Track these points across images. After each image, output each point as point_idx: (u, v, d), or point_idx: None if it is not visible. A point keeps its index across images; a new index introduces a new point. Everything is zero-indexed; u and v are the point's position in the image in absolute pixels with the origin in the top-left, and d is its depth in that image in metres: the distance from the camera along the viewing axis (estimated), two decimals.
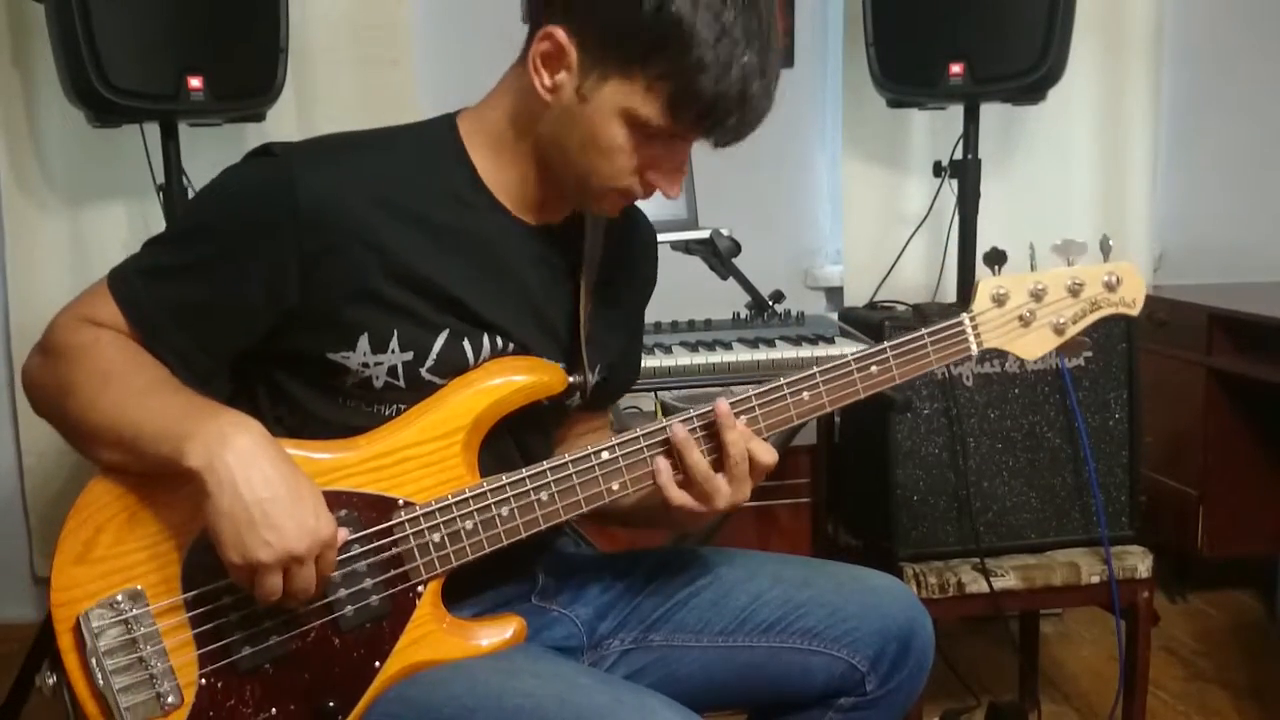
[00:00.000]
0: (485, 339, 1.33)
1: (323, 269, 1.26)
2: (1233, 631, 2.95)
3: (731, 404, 1.34)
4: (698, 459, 1.31)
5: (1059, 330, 1.42)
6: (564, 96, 1.27)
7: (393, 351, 1.30)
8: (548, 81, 1.28)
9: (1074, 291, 1.42)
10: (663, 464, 1.32)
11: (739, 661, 1.42)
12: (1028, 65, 2.46)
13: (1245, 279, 3.20)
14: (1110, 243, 1.44)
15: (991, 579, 2.22)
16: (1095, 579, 2.25)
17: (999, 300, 1.40)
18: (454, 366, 1.32)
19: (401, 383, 1.31)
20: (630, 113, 1.24)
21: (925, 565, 2.25)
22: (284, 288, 1.27)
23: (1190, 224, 3.25)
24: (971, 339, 1.40)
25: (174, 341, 1.29)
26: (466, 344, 1.33)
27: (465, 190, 1.34)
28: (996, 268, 1.45)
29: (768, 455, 1.33)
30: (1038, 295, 1.41)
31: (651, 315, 2.30)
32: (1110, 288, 1.43)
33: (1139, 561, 2.28)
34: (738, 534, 2.50)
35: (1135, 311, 1.44)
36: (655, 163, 1.30)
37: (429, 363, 1.31)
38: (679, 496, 1.33)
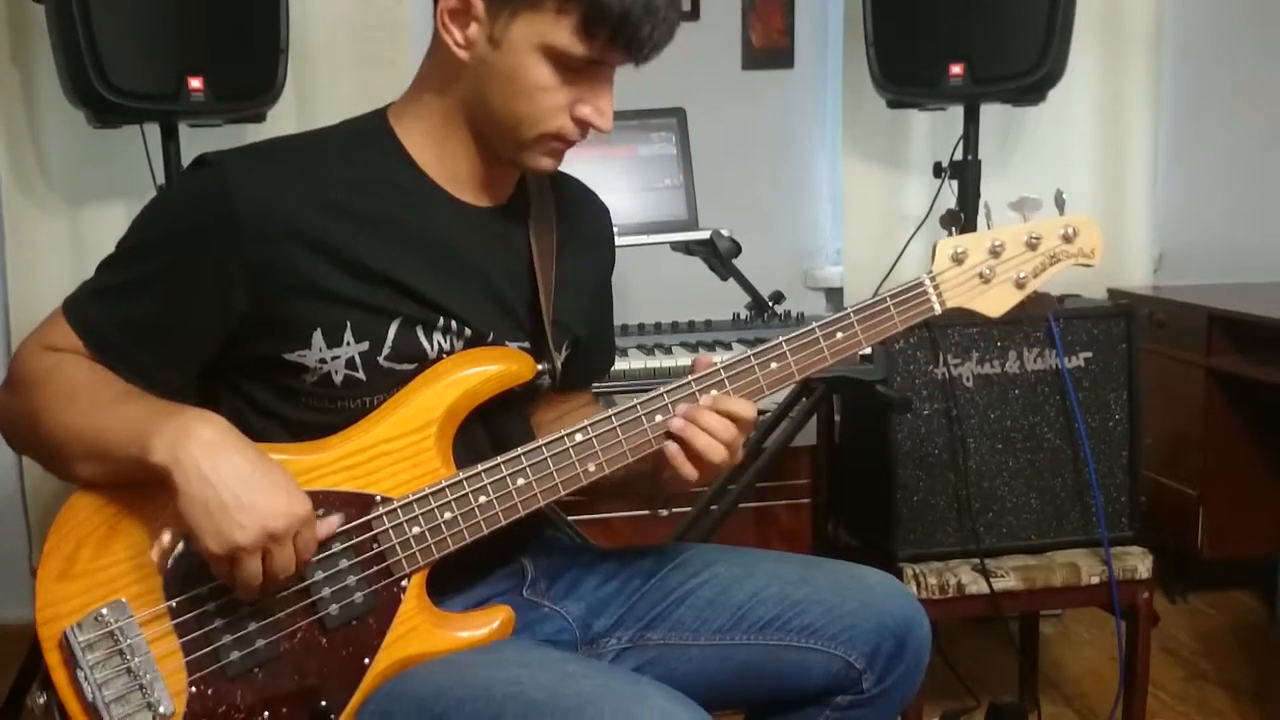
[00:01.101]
0: (439, 323, 1.34)
1: (268, 272, 1.27)
2: (1233, 631, 2.95)
3: (699, 377, 1.35)
4: (707, 442, 1.32)
5: (1020, 285, 1.43)
6: (479, 49, 1.29)
7: (348, 344, 1.30)
8: (459, 38, 1.29)
9: (1032, 245, 1.42)
10: (673, 448, 1.32)
11: (736, 660, 1.42)
12: (1028, 66, 2.46)
13: (1245, 279, 3.20)
14: (1064, 196, 1.44)
15: (991, 579, 2.22)
16: (1095, 579, 2.25)
17: (958, 259, 1.41)
18: (411, 353, 1.33)
19: (361, 374, 1.31)
20: (546, 45, 1.26)
21: (925, 566, 2.25)
22: (232, 294, 1.28)
23: (1190, 224, 3.24)
24: (934, 298, 1.41)
25: (133, 359, 1.30)
26: (420, 330, 1.33)
27: (403, 178, 1.36)
28: (953, 229, 1.45)
29: (747, 410, 1.34)
30: (996, 251, 1.42)
31: (651, 315, 2.32)
32: (1067, 239, 1.43)
33: (1139, 562, 2.28)
34: (738, 534, 2.50)
35: (1095, 261, 1.44)
36: (582, 95, 1.31)
37: (385, 350, 1.32)
38: (692, 473, 1.33)
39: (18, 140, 2.68)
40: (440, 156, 1.37)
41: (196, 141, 2.39)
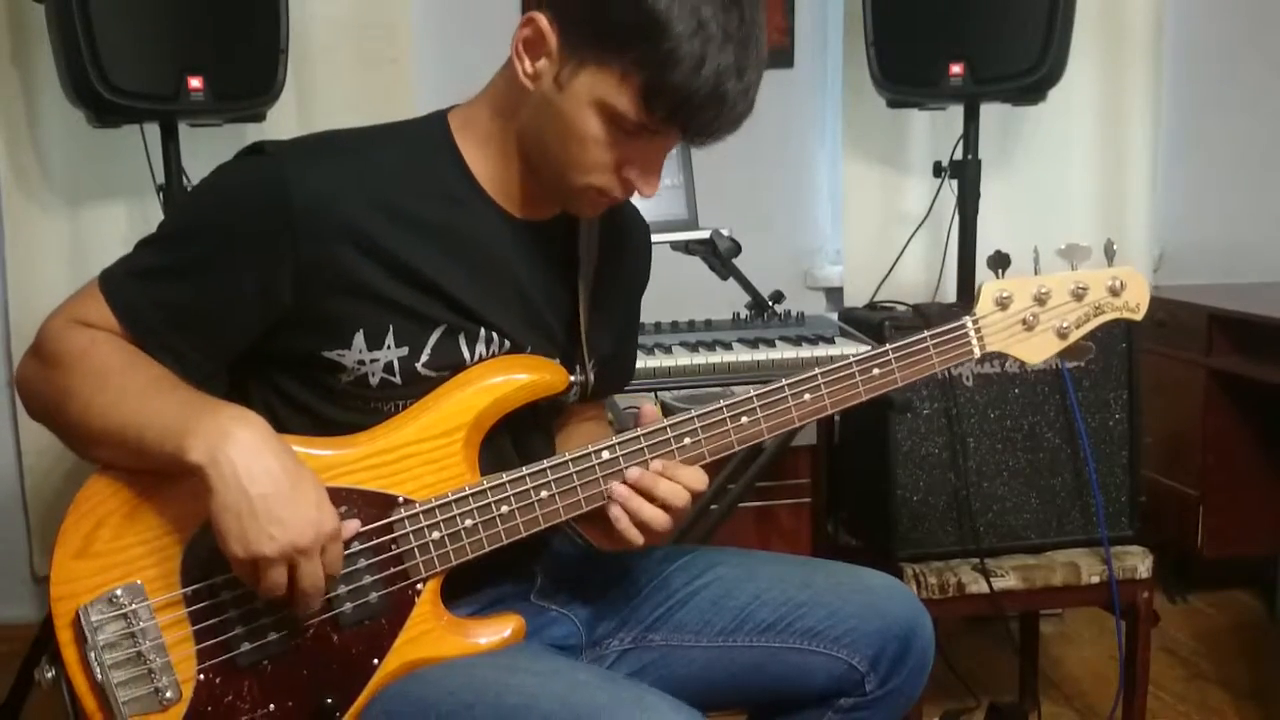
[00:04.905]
0: (480, 335, 1.33)
1: (316, 267, 1.26)
2: (1233, 631, 2.96)
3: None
4: (653, 513, 1.30)
5: (1062, 334, 1.42)
6: (543, 84, 1.27)
7: (388, 348, 1.29)
8: (529, 68, 1.28)
9: (1078, 296, 1.41)
10: (618, 512, 1.31)
11: (739, 662, 1.42)
12: (1028, 65, 2.46)
13: (1245, 279, 3.20)
14: (1115, 247, 1.44)
15: (991, 579, 2.22)
16: (1095, 579, 2.26)
17: (1002, 304, 1.40)
18: (450, 362, 1.32)
19: (398, 379, 1.30)
20: (604, 104, 1.24)
21: (925, 565, 2.25)
22: (278, 287, 1.27)
23: (1190, 224, 3.24)
24: (974, 342, 1.40)
25: (169, 343, 1.28)
26: (462, 340, 1.33)
27: (457, 187, 1.34)
28: (1000, 271, 1.44)
29: (698, 482, 1.32)
30: (1041, 299, 1.41)
31: (651, 315, 2.31)
32: (1114, 292, 1.42)
33: (1139, 562, 2.28)
34: (738, 534, 2.50)
35: (1139, 316, 1.44)
36: (631, 159, 1.29)
37: (424, 357, 1.31)
38: (638, 537, 1.32)
39: (18, 140, 2.68)
40: (495, 170, 1.35)
41: (196, 141, 2.41)
